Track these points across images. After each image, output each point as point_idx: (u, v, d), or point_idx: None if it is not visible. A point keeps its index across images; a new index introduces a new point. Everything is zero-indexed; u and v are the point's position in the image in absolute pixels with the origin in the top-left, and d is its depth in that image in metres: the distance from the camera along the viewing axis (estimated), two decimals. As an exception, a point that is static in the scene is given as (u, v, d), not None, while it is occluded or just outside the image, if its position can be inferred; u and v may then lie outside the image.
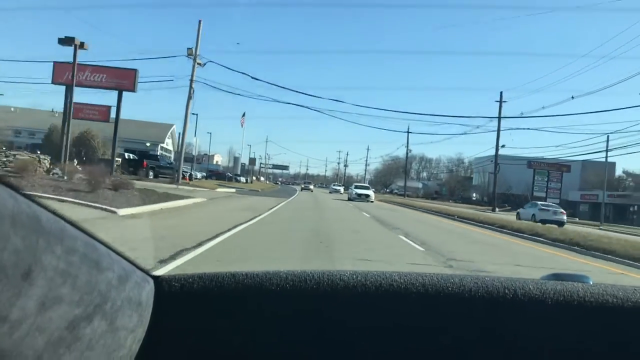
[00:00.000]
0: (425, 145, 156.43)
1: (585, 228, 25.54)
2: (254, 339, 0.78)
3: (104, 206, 11.28)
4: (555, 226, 23.45)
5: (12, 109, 50.90)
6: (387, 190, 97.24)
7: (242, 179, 66.52)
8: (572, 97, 41.24)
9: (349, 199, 37.15)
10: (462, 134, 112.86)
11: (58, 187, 13.39)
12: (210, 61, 28.94)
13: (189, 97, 27.97)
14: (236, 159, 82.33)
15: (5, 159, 16.97)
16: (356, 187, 42.89)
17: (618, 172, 65.33)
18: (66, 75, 22.05)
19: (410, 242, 11.07)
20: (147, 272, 0.75)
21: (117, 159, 26.87)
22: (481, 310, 0.80)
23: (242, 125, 54.37)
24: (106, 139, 31.12)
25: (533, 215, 31.21)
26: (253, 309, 0.80)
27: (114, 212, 10.86)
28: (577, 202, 58.11)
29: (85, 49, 19.71)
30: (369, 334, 0.78)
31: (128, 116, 40.51)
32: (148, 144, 51.02)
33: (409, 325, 0.79)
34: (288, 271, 0.85)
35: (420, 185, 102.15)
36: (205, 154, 78.80)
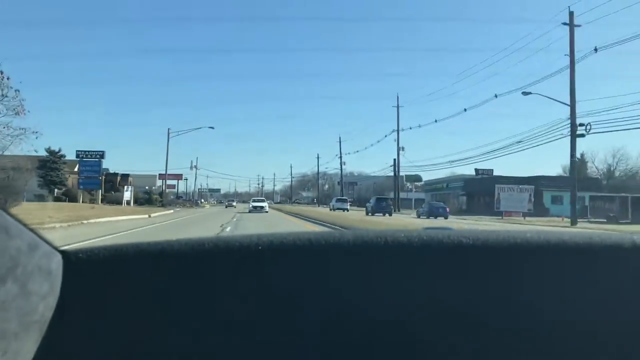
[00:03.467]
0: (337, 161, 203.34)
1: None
2: (159, 302, 0.83)
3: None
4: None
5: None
6: (291, 201, 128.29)
7: (201, 202, 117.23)
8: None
9: (249, 211, 47.46)
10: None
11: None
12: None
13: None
14: (200, 191, 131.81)
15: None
16: (253, 200, 54.85)
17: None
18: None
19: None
20: (53, 246, 0.79)
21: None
22: (358, 260, 0.88)
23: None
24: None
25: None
26: (155, 274, 0.85)
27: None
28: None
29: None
30: (264, 295, 0.84)
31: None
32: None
33: (290, 281, 0.86)
34: (189, 238, 0.91)
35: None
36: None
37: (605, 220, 37.20)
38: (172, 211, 46.36)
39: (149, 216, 32.73)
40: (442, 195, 67.53)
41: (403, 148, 59.01)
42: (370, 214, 43.69)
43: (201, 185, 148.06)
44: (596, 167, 72.57)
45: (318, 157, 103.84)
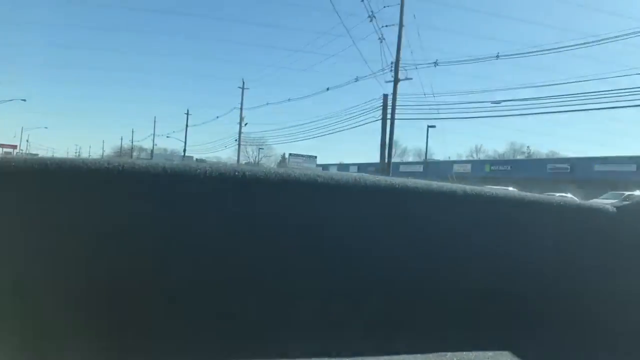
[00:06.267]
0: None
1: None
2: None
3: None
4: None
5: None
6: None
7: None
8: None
9: None
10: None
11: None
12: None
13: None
14: (24, 154, 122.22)
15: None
16: None
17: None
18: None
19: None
20: None
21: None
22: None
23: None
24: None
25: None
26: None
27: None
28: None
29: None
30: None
31: None
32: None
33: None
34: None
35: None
36: None
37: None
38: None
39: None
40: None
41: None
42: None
43: (22, 151, 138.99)
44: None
45: (132, 135, 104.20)
